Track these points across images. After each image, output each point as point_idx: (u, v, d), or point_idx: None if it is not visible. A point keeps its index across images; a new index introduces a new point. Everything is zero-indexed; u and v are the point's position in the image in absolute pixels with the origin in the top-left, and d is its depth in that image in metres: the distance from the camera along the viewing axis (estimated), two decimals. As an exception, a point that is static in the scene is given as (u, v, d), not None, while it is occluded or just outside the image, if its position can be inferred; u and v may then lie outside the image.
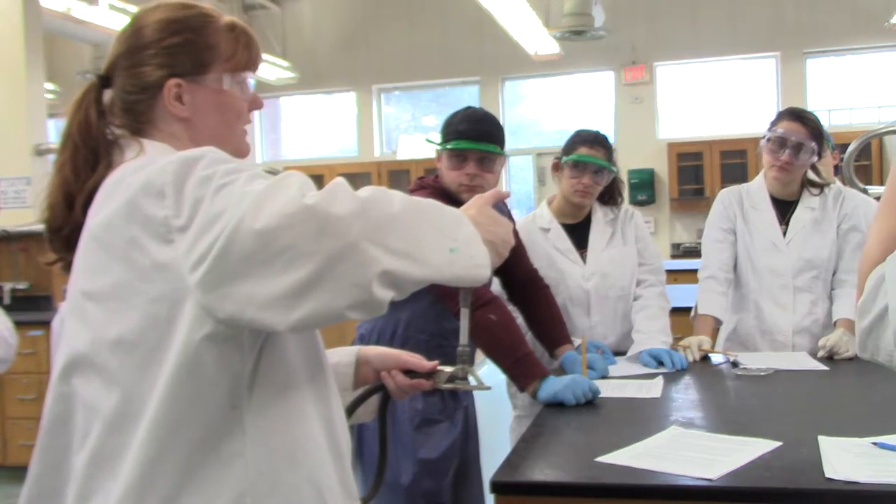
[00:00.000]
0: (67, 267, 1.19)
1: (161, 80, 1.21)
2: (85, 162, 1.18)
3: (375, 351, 1.49)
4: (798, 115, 2.79)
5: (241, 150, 1.28)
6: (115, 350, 1.05)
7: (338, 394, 1.23)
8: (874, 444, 1.61)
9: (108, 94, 1.24)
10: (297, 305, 0.96)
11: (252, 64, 1.29)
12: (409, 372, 1.47)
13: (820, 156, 2.82)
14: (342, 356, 1.46)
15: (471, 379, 1.44)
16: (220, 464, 1.04)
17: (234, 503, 1.05)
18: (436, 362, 1.48)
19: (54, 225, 1.19)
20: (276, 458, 1.08)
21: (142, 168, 1.08)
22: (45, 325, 3.99)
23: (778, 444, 1.65)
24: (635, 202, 9.49)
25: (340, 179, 1.02)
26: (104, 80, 1.24)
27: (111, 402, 1.05)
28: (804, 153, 2.76)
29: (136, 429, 1.03)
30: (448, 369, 1.45)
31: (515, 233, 2.63)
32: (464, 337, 1.42)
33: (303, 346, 1.15)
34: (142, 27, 1.23)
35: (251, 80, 1.29)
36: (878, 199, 3.49)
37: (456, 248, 1.07)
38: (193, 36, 1.23)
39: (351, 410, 1.44)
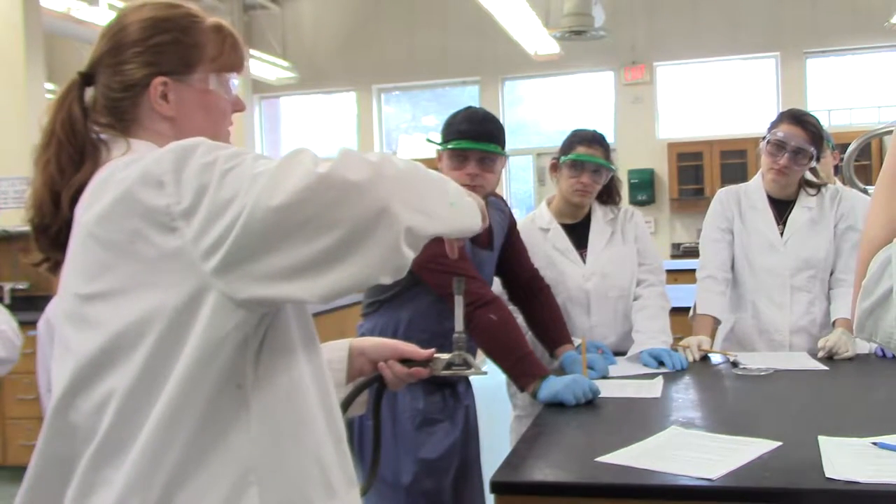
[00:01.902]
0: (54, 267, 1.19)
1: (146, 79, 1.20)
2: (70, 160, 1.17)
3: (370, 342, 1.50)
4: (798, 119, 2.78)
5: None
6: (130, 345, 1.04)
7: (331, 377, 1.23)
8: (874, 444, 1.61)
9: (89, 92, 1.22)
10: (324, 273, 0.97)
11: (238, 65, 1.29)
12: (406, 361, 1.47)
13: (818, 159, 2.83)
14: (334, 351, 1.45)
15: (468, 366, 1.45)
16: (224, 442, 1.05)
17: (239, 480, 1.05)
18: (432, 350, 1.48)
19: (41, 223, 1.18)
20: (281, 436, 1.08)
21: (132, 163, 1.07)
22: (45, 325, 3.99)
23: (778, 444, 1.65)
24: (635, 202, 9.49)
25: (347, 147, 1.03)
26: (87, 78, 1.23)
27: (124, 395, 1.04)
28: (803, 158, 2.76)
29: (147, 416, 1.03)
30: (445, 357, 1.47)
31: (516, 232, 2.65)
32: (459, 324, 1.43)
33: (300, 325, 1.15)
34: (126, 25, 1.22)
35: (235, 82, 1.29)
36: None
37: (453, 201, 1.13)
38: (180, 35, 1.22)
39: (347, 404, 1.44)
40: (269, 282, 0.98)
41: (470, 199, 1.18)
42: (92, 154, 1.17)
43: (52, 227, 1.18)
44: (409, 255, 1.02)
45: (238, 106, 1.30)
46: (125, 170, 1.07)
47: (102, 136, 1.20)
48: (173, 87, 1.21)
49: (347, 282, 0.99)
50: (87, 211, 1.09)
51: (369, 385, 1.48)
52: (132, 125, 1.21)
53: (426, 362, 1.47)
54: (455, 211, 1.13)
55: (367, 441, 2.25)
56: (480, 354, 2.25)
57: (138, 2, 1.25)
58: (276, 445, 1.08)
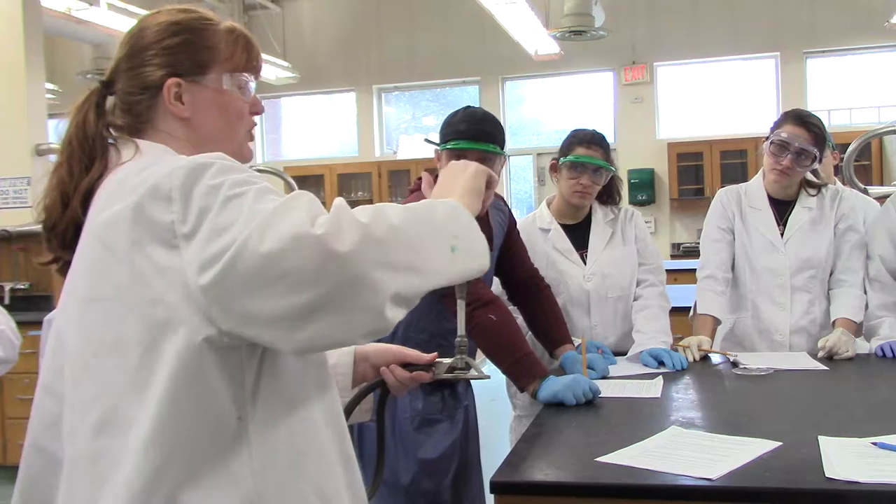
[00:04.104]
0: (63, 268, 1.19)
1: (161, 80, 1.22)
2: (79, 162, 1.19)
3: (373, 347, 1.50)
4: (802, 120, 2.77)
5: (242, 152, 1.29)
6: (110, 352, 1.05)
7: (339, 398, 1.23)
8: (874, 444, 1.61)
9: (111, 101, 1.25)
10: (302, 327, 0.97)
11: (252, 66, 1.30)
12: (408, 365, 1.47)
13: (821, 160, 2.82)
14: (340, 356, 1.46)
15: (470, 369, 1.45)
16: (226, 473, 1.05)
17: None
18: (434, 354, 1.49)
19: (50, 223, 1.20)
20: (282, 468, 1.08)
21: (147, 168, 1.08)
22: (45, 325, 3.99)
23: (778, 444, 1.65)
24: (635, 202, 9.49)
25: (341, 202, 1.02)
26: (107, 85, 1.25)
27: (100, 403, 1.05)
28: (806, 159, 2.76)
29: (130, 434, 1.03)
30: (447, 361, 1.47)
31: (516, 232, 2.64)
32: (461, 328, 1.43)
33: (309, 356, 1.15)
34: (143, 29, 1.25)
35: (252, 84, 1.30)
36: (878, 199, 3.48)
37: (456, 245, 1.09)
38: (193, 37, 1.25)
39: (350, 410, 1.44)
40: (249, 323, 0.98)
41: (479, 236, 1.14)
42: (101, 155, 1.19)
43: (59, 227, 1.19)
44: (395, 318, 1.02)
45: (256, 108, 1.32)
46: (139, 175, 1.08)
47: (115, 136, 1.22)
48: (187, 87, 1.23)
49: (323, 340, 1.00)
50: (98, 214, 1.11)
51: (371, 390, 1.48)
52: (147, 126, 1.24)
53: (428, 366, 1.47)
54: (456, 258, 1.09)
55: (367, 442, 2.25)
56: (480, 355, 2.25)
57: (155, 9, 1.28)
58: (278, 477, 1.08)
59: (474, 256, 1.12)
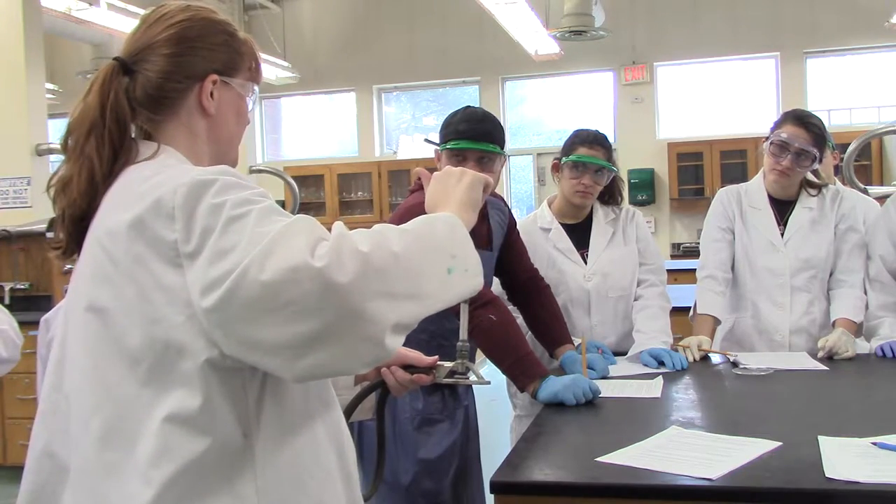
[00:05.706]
0: (64, 253, 1.19)
1: (204, 73, 1.22)
2: (113, 151, 1.16)
3: None
4: (802, 120, 2.77)
5: (236, 158, 1.32)
6: (112, 364, 1.05)
7: (342, 415, 1.24)
8: (874, 444, 1.61)
9: (124, 82, 1.21)
10: (302, 356, 0.97)
11: (260, 79, 1.33)
12: (409, 367, 1.47)
13: (821, 161, 2.82)
14: None
15: (470, 374, 1.45)
16: (231, 490, 1.05)
17: None
18: (435, 357, 1.49)
19: (81, 213, 1.17)
20: (285, 485, 1.09)
21: (154, 176, 1.08)
22: (45, 325, 3.98)
23: (778, 444, 1.65)
24: (635, 202, 9.48)
25: (341, 229, 1.02)
26: (126, 63, 1.21)
27: (101, 412, 1.05)
28: (805, 160, 2.76)
29: (136, 449, 1.02)
30: (448, 364, 1.47)
31: (516, 232, 2.64)
32: (463, 332, 1.43)
33: None
34: (181, 20, 1.23)
35: (256, 90, 1.33)
36: (878, 199, 3.48)
37: (453, 266, 1.10)
38: (230, 39, 1.27)
39: (351, 409, 1.44)
40: (250, 349, 0.98)
41: (473, 254, 1.14)
42: (127, 151, 1.18)
43: (88, 220, 1.16)
44: (395, 346, 1.02)
45: (249, 119, 1.34)
46: (146, 183, 1.08)
47: (134, 136, 1.21)
48: (220, 86, 1.24)
49: (324, 370, 1.00)
50: (103, 221, 1.10)
51: (372, 390, 1.48)
52: (169, 116, 1.22)
53: (429, 369, 1.47)
54: (452, 280, 1.09)
55: (367, 442, 2.25)
56: (480, 355, 2.24)
57: (177, 3, 1.27)
58: (281, 493, 1.08)
59: (470, 276, 1.13)
